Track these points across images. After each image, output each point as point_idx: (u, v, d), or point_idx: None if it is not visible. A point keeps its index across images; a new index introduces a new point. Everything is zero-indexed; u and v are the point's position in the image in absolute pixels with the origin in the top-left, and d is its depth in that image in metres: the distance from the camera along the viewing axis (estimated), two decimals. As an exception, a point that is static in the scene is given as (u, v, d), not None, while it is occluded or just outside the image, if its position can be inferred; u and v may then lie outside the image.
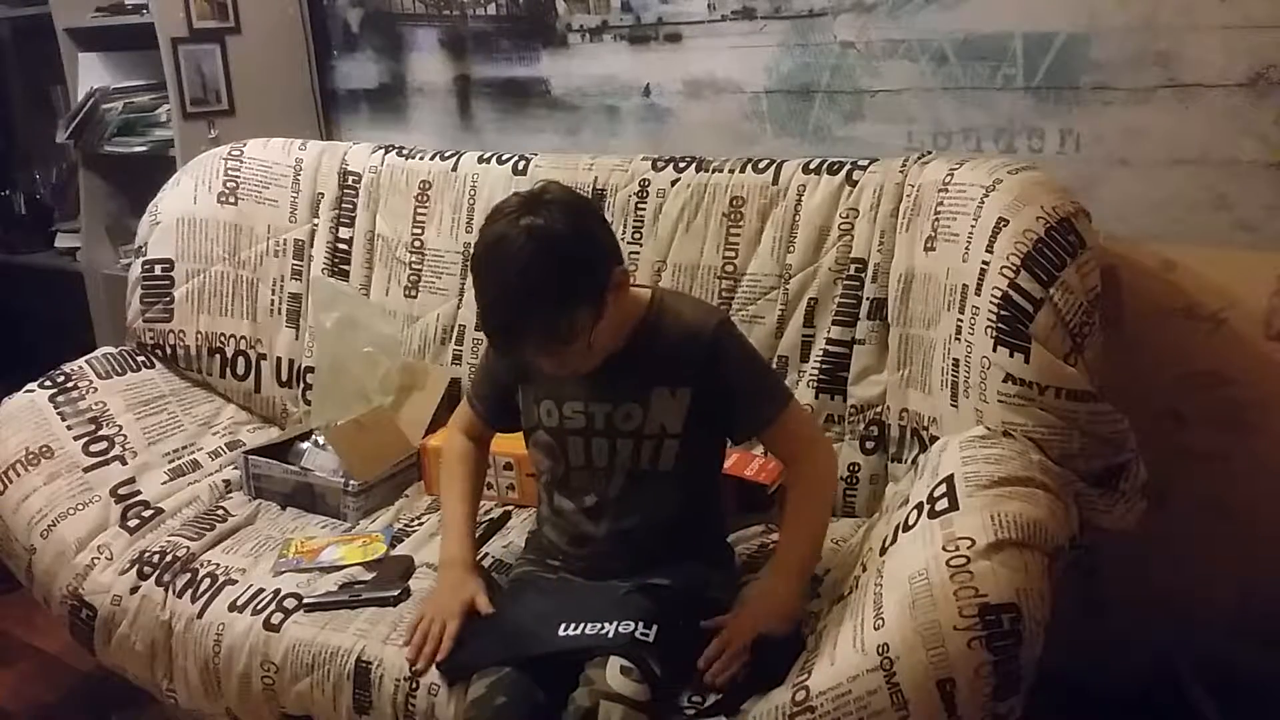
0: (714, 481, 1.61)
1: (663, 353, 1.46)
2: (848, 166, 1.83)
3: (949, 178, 1.65)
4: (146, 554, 1.78)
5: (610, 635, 1.33)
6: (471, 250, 1.50)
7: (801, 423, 1.53)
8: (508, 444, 1.76)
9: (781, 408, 1.49)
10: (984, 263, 1.47)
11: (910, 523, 1.31)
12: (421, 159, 2.21)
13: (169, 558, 1.77)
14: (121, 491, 1.91)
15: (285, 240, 2.25)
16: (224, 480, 2.03)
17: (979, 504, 1.25)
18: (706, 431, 1.51)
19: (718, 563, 1.56)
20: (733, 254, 1.89)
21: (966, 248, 1.53)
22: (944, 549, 1.20)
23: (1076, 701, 1.66)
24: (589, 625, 1.36)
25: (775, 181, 1.87)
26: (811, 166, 1.86)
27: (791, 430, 1.50)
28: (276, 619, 1.61)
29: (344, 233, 2.25)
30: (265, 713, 1.62)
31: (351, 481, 1.91)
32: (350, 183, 2.26)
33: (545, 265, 1.31)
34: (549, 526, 1.57)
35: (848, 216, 1.80)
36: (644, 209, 1.97)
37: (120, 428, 2.01)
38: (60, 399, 1.98)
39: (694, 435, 1.48)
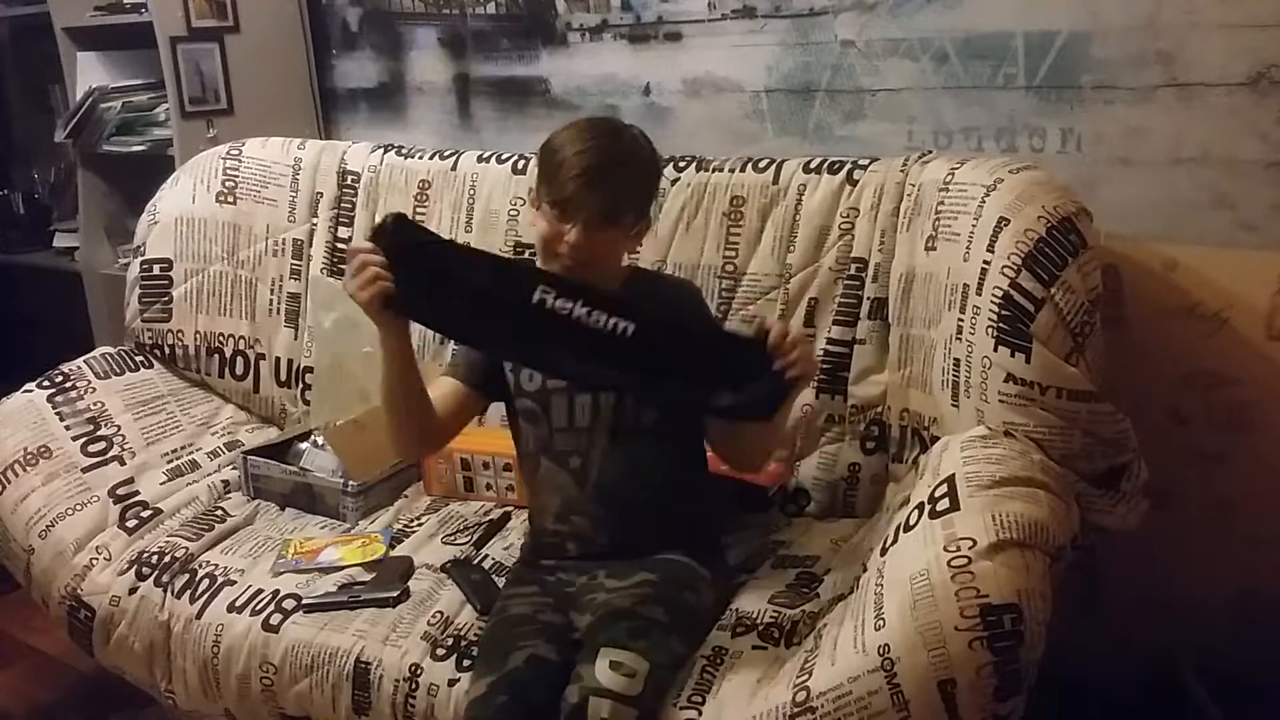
0: (697, 451, 1.61)
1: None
2: (848, 166, 1.83)
3: (950, 177, 1.64)
4: (145, 554, 1.78)
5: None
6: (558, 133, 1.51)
7: None
8: (507, 444, 1.76)
9: None
10: (985, 262, 1.46)
11: (911, 523, 1.30)
12: (421, 158, 2.21)
13: (168, 558, 1.77)
14: (120, 492, 1.91)
15: (284, 240, 2.25)
16: (223, 480, 2.03)
17: (980, 504, 1.25)
18: None
19: (705, 558, 1.55)
20: (733, 253, 1.89)
21: (967, 247, 1.52)
22: (945, 549, 1.20)
23: (1077, 701, 1.66)
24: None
25: (775, 181, 1.87)
26: (812, 166, 1.86)
27: None
28: (275, 620, 1.61)
29: (343, 232, 2.24)
30: (264, 713, 1.62)
31: (350, 482, 1.91)
32: (349, 182, 2.25)
33: (644, 153, 1.51)
34: (536, 508, 1.59)
35: (848, 216, 1.80)
36: (644, 208, 1.97)
37: (119, 428, 2.00)
38: (59, 399, 1.98)
39: None
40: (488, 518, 1.87)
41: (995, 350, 1.43)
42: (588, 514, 1.53)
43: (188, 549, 1.79)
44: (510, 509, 1.90)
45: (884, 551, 1.33)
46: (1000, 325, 1.42)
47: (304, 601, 1.63)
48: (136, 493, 1.92)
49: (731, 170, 1.92)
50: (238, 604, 1.66)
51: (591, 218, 1.43)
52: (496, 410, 2.05)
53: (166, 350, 2.19)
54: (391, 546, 1.79)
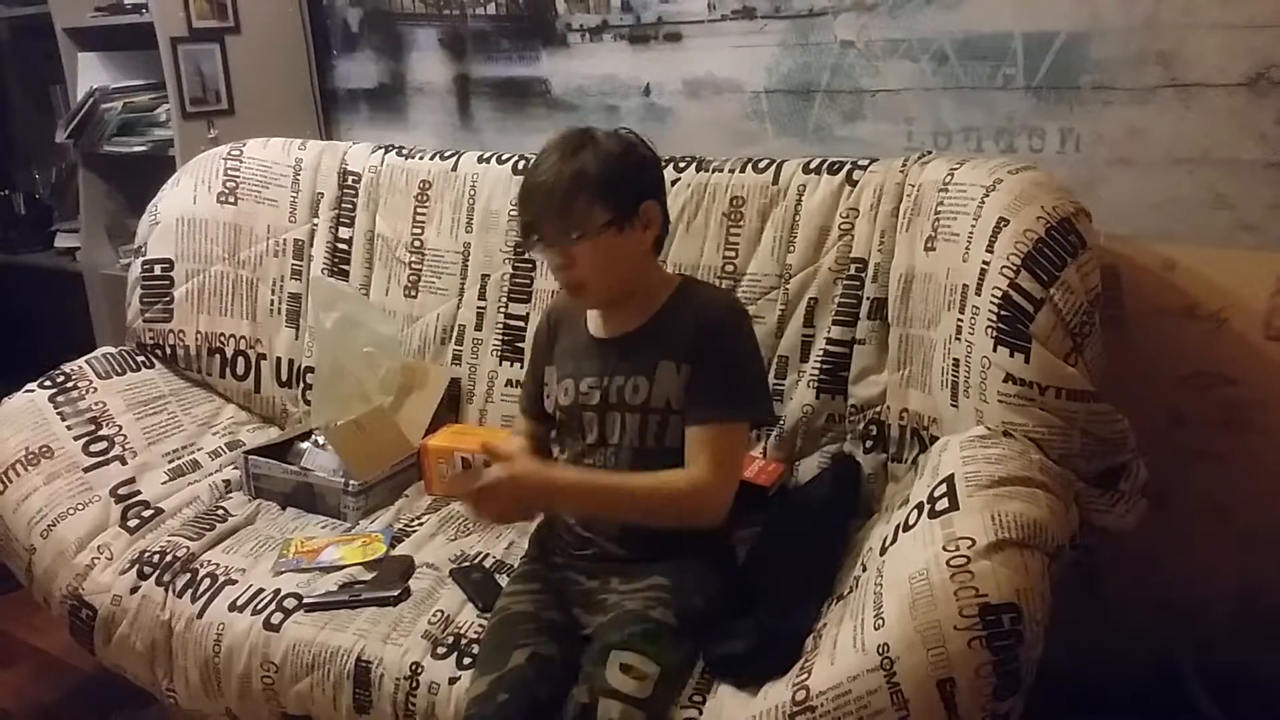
0: None
1: (677, 329, 1.51)
2: (848, 166, 1.83)
3: (949, 177, 1.64)
4: (146, 554, 1.79)
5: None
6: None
7: (727, 448, 1.47)
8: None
9: (725, 419, 1.47)
10: (984, 263, 1.47)
11: (910, 522, 1.31)
12: (421, 159, 2.21)
13: (169, 558, 1.77)
14: (121, 491, 1.91)
15: (285, 240, 2.25)
16: (224, 480, 2.03)
17: (979, 504, 1.25)
18: None
19: (716, 561, 1.55)
20: (733, 254, 1.89)
21: (967, 247, 1.52)
22: (944, 549, 1.20)
23: (1076, 701, 1.66)
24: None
25: (775, 181, 1.87)
26: (812, 166, 1.86)
27: (712, 443, 1.45)
28: (276, 619, 1.61)
29: (344, 232, 2.25)
30: (265, 713, 1.62)
31: (351, 481, 1.91)
32: (350, 182, 2.26)
33: (600, 149, 1.46)
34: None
35: (848, 216, 1.80)
36: (644, 209, 1.97)
37: (120, 428, 2.01)
38: (60, 399, 1.98)
39: None
40: (488, 517, 1.87)
41: (994, 350, 1.43)
42: (606, 530, 1.52)
43: (189, 548, 1.80)
44: (511, 509, 1.90)
45: (883, 551, 1.33)
46: (999, 325, 1.42)
47: (305, 601, 1.64)
48: (138, 492, 1.93)
49: (731, 170, 1.92)
50: (239, 603, 1.66)
51: (549, 232, 1.45)
52: (497, 410, 2.07)
53: (167, 350, 2.19)
54: (392, 546, 1.79)
